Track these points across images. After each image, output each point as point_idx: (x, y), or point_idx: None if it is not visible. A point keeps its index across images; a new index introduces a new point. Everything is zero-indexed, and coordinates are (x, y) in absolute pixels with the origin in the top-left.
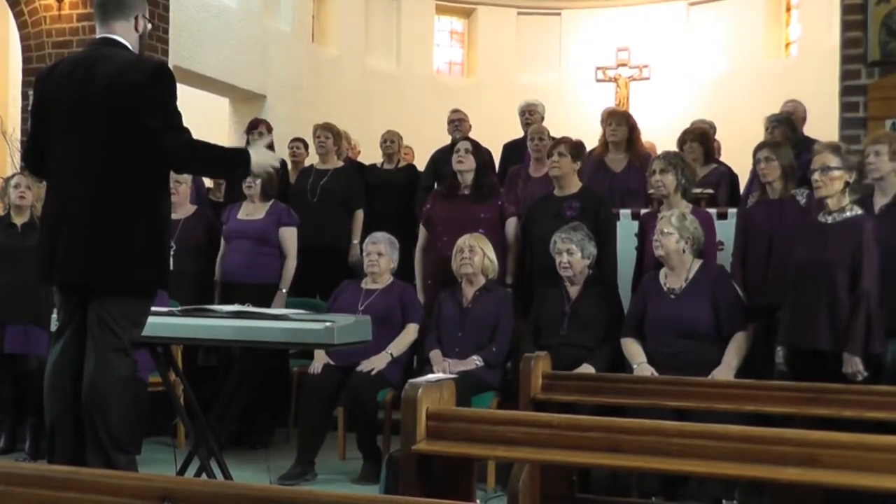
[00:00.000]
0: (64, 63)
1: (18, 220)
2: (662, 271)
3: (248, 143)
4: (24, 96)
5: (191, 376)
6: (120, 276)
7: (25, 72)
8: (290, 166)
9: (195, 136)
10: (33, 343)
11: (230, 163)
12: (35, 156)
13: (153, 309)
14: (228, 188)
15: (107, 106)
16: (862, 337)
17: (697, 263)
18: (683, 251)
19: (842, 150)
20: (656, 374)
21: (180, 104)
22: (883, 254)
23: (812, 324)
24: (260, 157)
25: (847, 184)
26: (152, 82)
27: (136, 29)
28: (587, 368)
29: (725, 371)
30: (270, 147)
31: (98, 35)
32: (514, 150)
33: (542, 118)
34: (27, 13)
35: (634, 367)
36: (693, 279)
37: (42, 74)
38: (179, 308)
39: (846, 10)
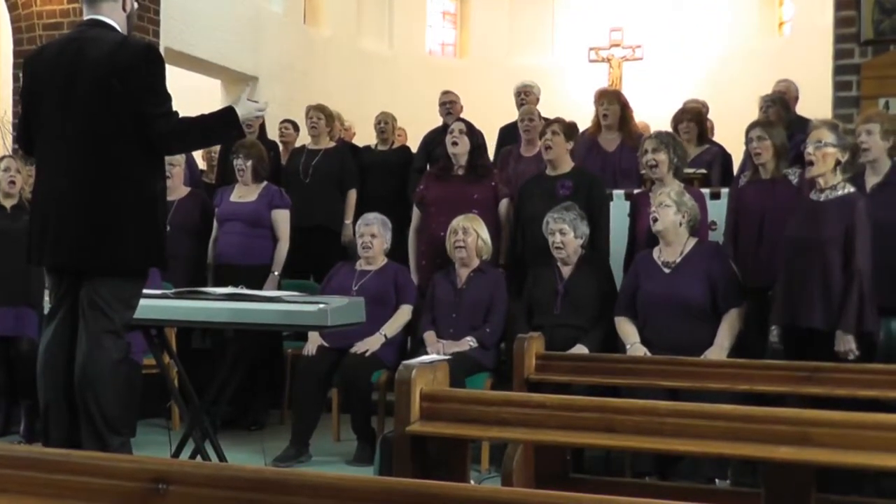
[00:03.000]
0: (52, 46)
1: (8, 203)
2: (656, 248)
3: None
4: (16, 78)
5: (185, 359)
6: (110, 258)
7: (16, 54)
8: (280, 147)
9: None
10: (25, 325)
11: (220, 129)
12: (27, 138)
13: (146, 291)
14: (221, 170)
15: (96, 88)
16: (855, 315)
17: (693, 241)
18: (680, 224)
19: (838, 129)
20: (649, 354)
21: (172, 86)
22: (875, 232)
23: (806, 302)
24: (245, 109)
25: (839, 162)
26: (141, 65)
27: (124, 9)
28: (581, 349)
29: (718, 352)
30: (262, 130)
31: (85, 17)
32: (510, 133)
33: (538, 100)
34: None
35: (628, 347)
36: (688, 254)
37: (30, 57)
38: (173, 290)
39: None
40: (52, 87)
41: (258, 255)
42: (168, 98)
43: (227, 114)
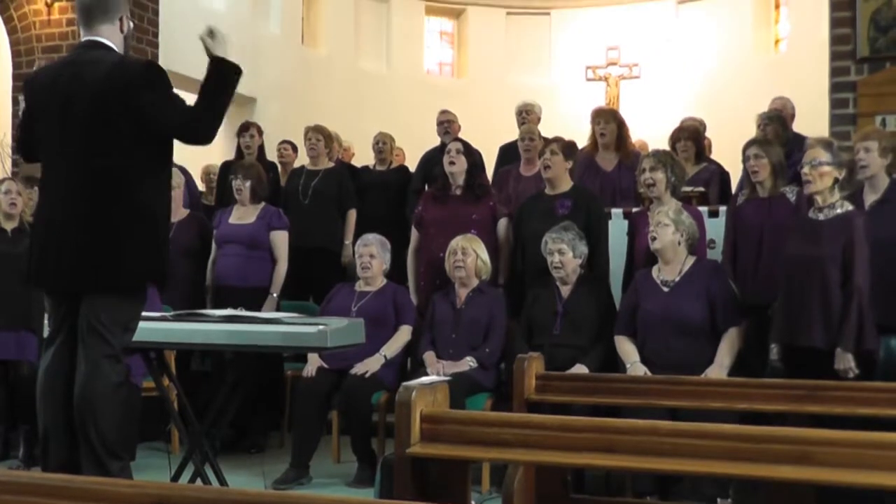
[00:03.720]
0: (50, 68)
1: (8, 226)
2: (655, 267)
3: (238, 147)
4: (15, 101)
5: (184, 381)
6: (108, 275)
7: (15, 76)
8: (279, 168)
9: (185, 146)
10: (25, 349)
11: (227, 83)
12: (28, 147)
13: (145, 314)
14: (220, 192)
15: (95, 109)
16: (854, 334)
17: (691, 259)
18: (679, 244)
19: (833, 147)
20: (649, 373)
21: None
22: (873, 249)
23: (805, 321)
24: (223, 49)
25: (836, 180)
26: (150, 82)
27: (121, 30)
28: (580, 368)
29: (718, 370)
30: (261, 151)
31: (83, 38)
32: (510, 152)
33: (539, 119)
34: (17, 18)
35: (628, 366)
36: (687, 273)
37: (29, 80)
38: (172, 313)
39: (834, 6)
40: (51, 108)
41: (257, 276)
42: (183, 102)
43: (218, 65)
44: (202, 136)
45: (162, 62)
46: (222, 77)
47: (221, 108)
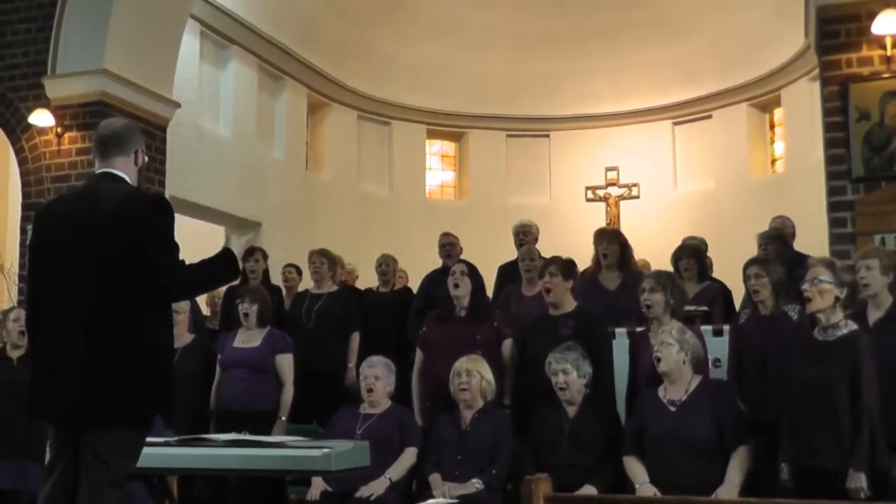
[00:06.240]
0: (62, 200)
1: (14, 354)
2: (661, 386)
3: (242, 271)
4: (23, 230)
5: None
6: (112, 408)
7: (24, 206)
8: (283, 292)
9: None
10: (26, 478)
11: (221, 273)
12: (31, 301)
13: (149, 440)
14: (224, 316)
15: (106, 240)
16: (866, 453)
17: (697, 378)
18: (684, 363)
19: (836, 266)
20: (659, 493)
21: (177, 233)
22: (881, 367)
23: (815, 442)
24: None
25: (837, 298)
26: (152, 216)
27: (136, 163)
28: (589, 489)
29: (729, 489)
30: (266, 274)
31: (97, 170)
32: (510, 272)
33: (537, 239)
34: (27, 148)
35: (637, 486)
36: (693, 392)
37: (41, 212)
38: (176, 438)
39: (828, 127)
40: (61, 240)
41: (262, 400)
42: (176, 248)
43: (228, 257)
44: (170, 291)
45: (168, 189)
46: (227, 268)
47: (203, 288)
